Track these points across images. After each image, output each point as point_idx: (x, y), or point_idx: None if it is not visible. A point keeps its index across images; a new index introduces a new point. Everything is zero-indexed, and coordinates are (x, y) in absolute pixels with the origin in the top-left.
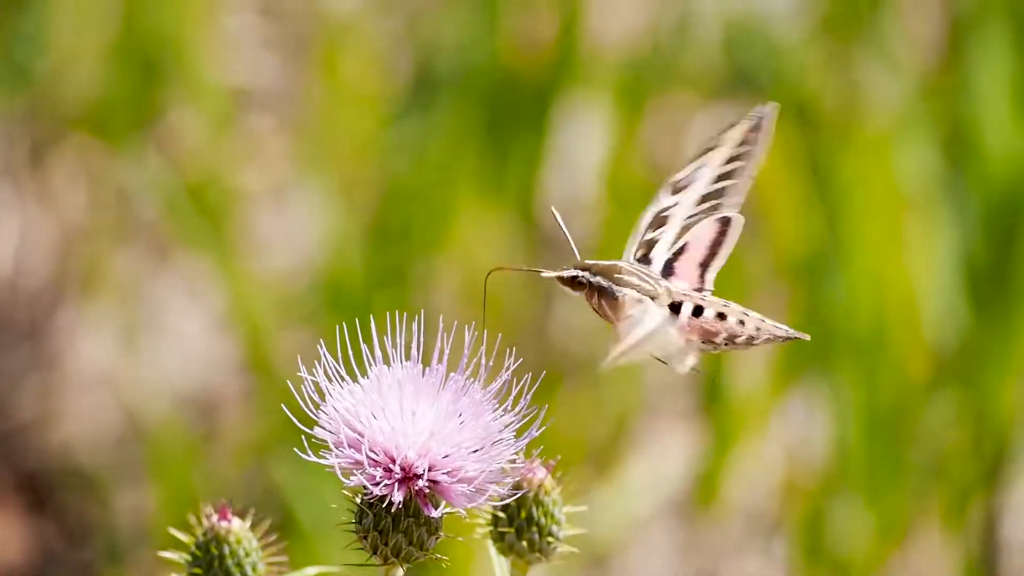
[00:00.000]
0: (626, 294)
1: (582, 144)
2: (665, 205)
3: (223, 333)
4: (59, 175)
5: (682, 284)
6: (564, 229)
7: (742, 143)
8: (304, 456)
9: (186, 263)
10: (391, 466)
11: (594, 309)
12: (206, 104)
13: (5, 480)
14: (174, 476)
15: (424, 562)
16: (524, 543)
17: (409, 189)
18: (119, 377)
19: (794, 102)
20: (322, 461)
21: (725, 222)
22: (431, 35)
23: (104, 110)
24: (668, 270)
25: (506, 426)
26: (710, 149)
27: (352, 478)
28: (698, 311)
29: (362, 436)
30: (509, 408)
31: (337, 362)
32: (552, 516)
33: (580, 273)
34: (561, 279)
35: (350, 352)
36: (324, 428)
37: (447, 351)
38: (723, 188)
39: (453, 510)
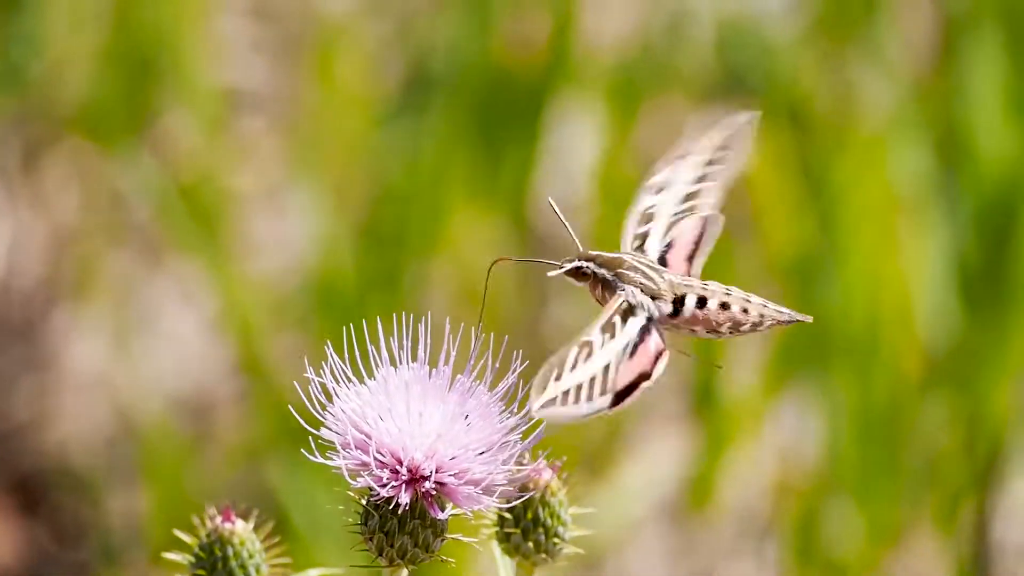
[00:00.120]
0: (625, 290)
1: (575, 146)
2: (649, 204)
3: (216, 335)
4: (52, 177)
5: (691, 280)
6: (563, 220)
7: (721, 147)
8: (311, 457)
9: (179, 265)
10: (398, 468)
11: (597, 300)
12: (199, 106)
13: None
14: (167, 478)
15: (429, 563)
16: (530, 544)
17: (402, 191)
18: (112, 379)
19: (787, 103)
20: (329, 462)
21: (707, 220)
22: (423, 37)
23: (97, 112)
24: (662, 262)
25: (513, 428)
26: (688, 152)
27: (359, 480)
28: (702, 302)
29: (369, 438)
30: (515, 410)
31: (344, 363)
32: (558, 517)
33: (584, 264)
34: (566, 271)
35: (356, 354)
36: (331, 429)
37: (454, 353)
38: (702, 189)
39: (459, 512)
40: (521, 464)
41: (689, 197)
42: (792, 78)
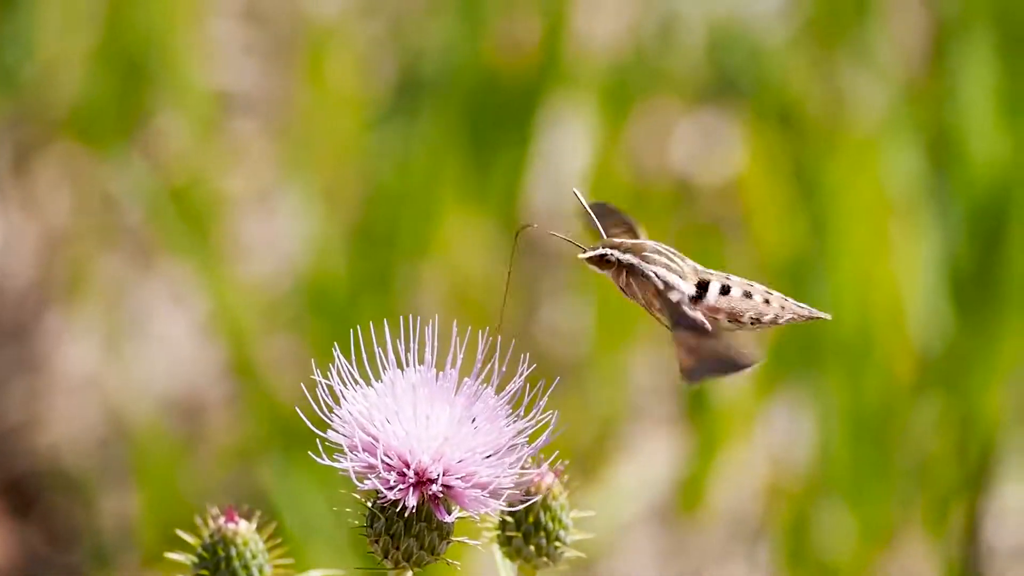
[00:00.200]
0: (655, 272)
1: (567, 148)
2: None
3: (207, 337)
4: (44, 179)
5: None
6: (587, 207)
7: None
8: (319, 460)
9: (171, 267)
10: (405, 470)
11: (621, 289)
12: (190, 108)
13: None
14: (159, 479)
15: (434, 566)
16: (532, 548)
17: (393, 193)
18: (104, 381)
19: (778, 106)
20: (335, 464)
21: None
22: (415, 39)
23: (89, 114)
24: None
25: (519, 431)
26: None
27: (366, 482)
28: (725, 290)
29: (376, 440)
30: (522, 414)
31: (350, 366)
32: (560, 521)
33: (609, 251)
34: (590, 258)
35: (364, 356)
36: (337, 432)
37: (460, 355)
38: None
39: (464, 515)
40: (525, 468)
41: None
42: (783, 81)
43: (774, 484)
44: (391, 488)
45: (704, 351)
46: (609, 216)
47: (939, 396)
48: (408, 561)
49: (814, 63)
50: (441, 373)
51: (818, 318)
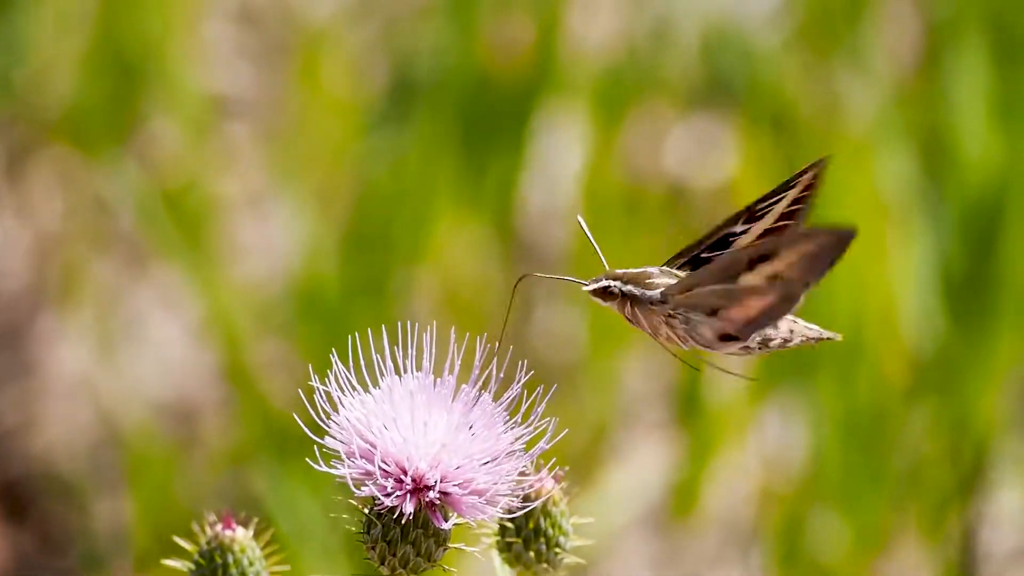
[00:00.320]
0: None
1: (560, 152)
2: (735, 230)
3: (200, 341)
4: (37, 183)
5: None
6: (590, 237)
7: (807, 187)
8: (316, 467)
9: (163, 271)
10: (402, 477)
11: (627, 319)
12: (183, 112)
13: None
14: (152, 484)
15: (431, 572)
16: (532, 553)
17: (386, 197)
18: (97, 385)
19: (772, 110)
20: (333, 471)
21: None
22: (408, 43)
23: (82, 118)
24: None
25: (517, 438)
26: (787, 187)
27: (363, 488)
28: None
29: (374, 447)
30: (520, 421)
31: (348, 371)
32: (560, 527)
33: (611, 283)
34: (592, 291)
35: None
36: (335, 438)
37: (458, 362)
38: (784, 226)
39: (461, 521)
40: (524, 474)
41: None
42: (777, 84)
43: (768, 488)
44: (388, 495)
45: (794, 256)
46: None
47: (933, 400)
48: (405, 568)
49: (807, 67)
50: (439, 379)
51: (829, 339)
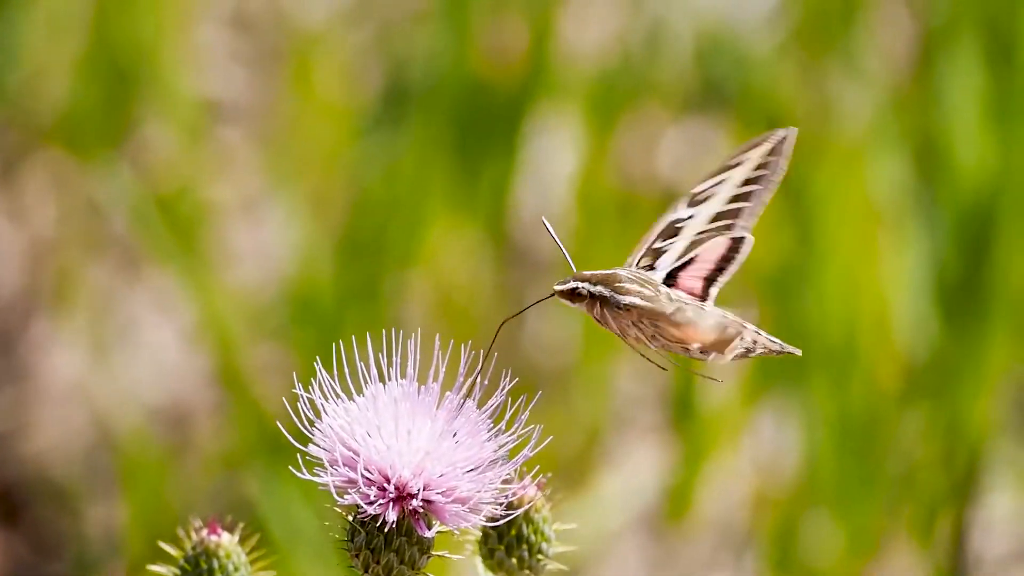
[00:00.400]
0: (634, 301)
1: (554, 156)
2: (681, 216)
3: (194, 346)
4: (30, 187)
5: (682, 295)
6: (557, 240)
7: (760, 165)
8: (298, 475)
9: (157, 276)
10: (385, 485)
11: (596, 320)
12: (177, 117)
13: None
14: (145, 488)
15: None
16: (514, 560)
17: (379, 202)
18: (90, 389)
19: (765, 114)
20: (316, 479)
21: (737, 241)
22: (402, 47)
23: (75, 122)
24: (671, 280)
25: (501, 446)
26: (732, 166)
27: (346, 496)
28: None
29: (357, 455)
30: (504, 428)
31: (332, 379)
32: (542, 534)
33: (580, 284)
34: (561, 292)
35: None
36: (319, 446)
37: (442, 369)
38: (737, 209)
39: (445, 529)
40: (507, 481)
41: (721, 216)
42: (770, 89)
43: (761, 493)
44: (371, 503)
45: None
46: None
47: (926, 405)
48: (388, 575)
49: (801, 71)
50: (423, 387)
51: (789, 353)
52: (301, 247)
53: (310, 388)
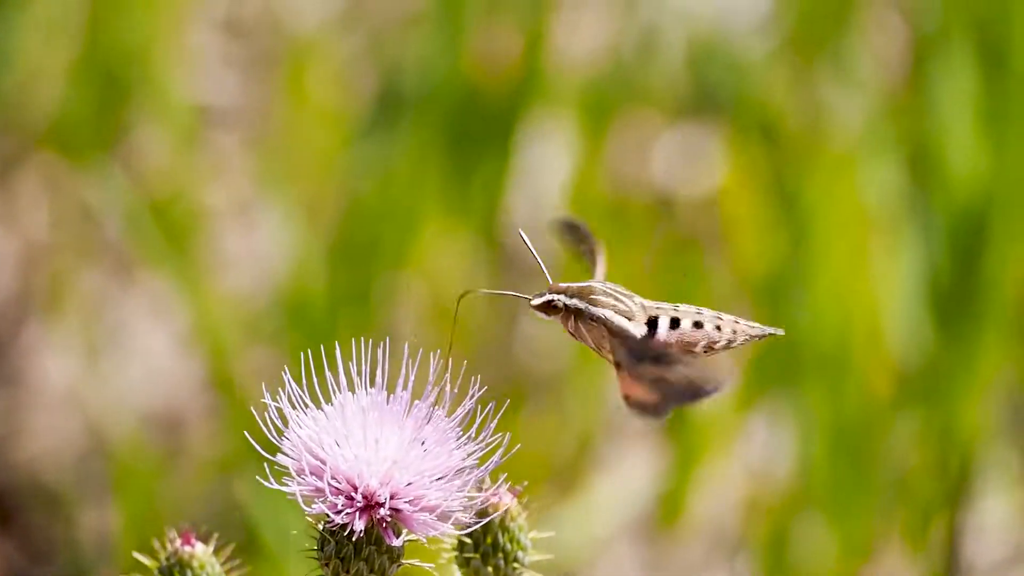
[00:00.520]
0: (604, 315)
1: (546, 162)
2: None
3: (187, 351)
4: (23, 192)
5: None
6: (533, 252)
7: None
8: (265, 483)
9: (150, 281)
10: (353, 494)
11: (570, 333)
12: (170, 121)
13: None
14: (138, 494)
15: None
16: (489, 569)
17: (373, 207)
18: (83, 395)
19: (758, 120)
20: (283, 488)
21: None
22: (395, 53)
23: (68, 127)
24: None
25: (470, 454)
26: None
27: (314, 506)
28: (675, 323)
29: (324, 464)
30: (473, 436)
31: (301, 388)
32: (518, 542)
33: (555, 297)
34: (536, 306)
35: (315, 378)
36: (287, 455)
37: (412, 377)
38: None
39: (413, 537)
40: (482, 488)
41: None
42: (763, 95)
43: (754, 498)
44: (339, 512)
45: (673, 379)
46: (573, 233)
47: (919, 410)
48: None
49: (794, 77)
50: (393, 395)
51: (771, 335)
52: (294, 252)
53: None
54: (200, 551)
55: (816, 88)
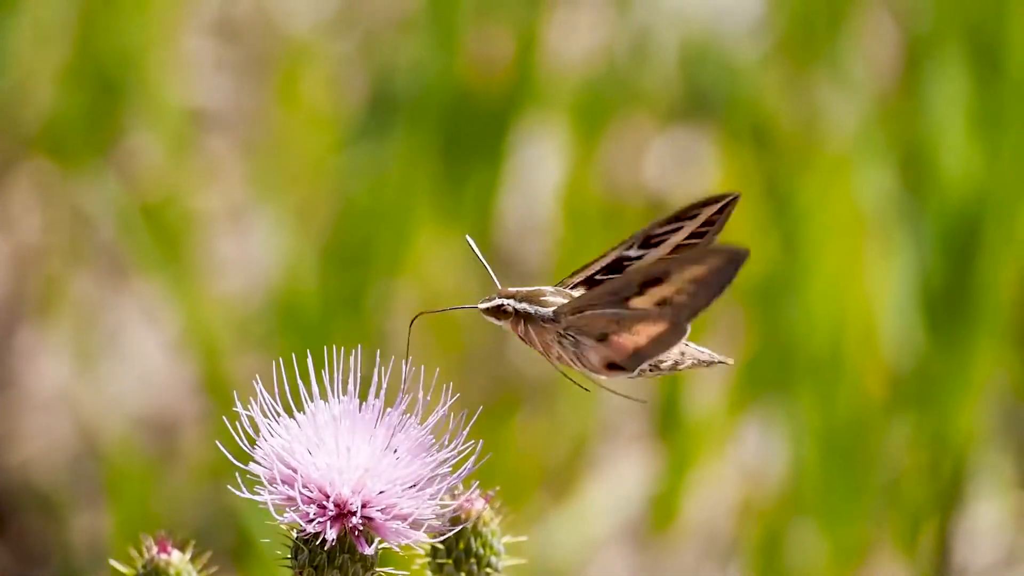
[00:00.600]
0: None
1: (540, 165)
2: (630, 255)
3: (180, 355)
4: (16, 196)
5: None
6: (481, 258)
7: (707, 222)
8: (237, 493)
9: (143, 285)
10: (325, 503)
11: (521, 338)
12: (163, 126)
13: None
14: (131, 497)
15: None
16: (462, 574)
17: (366, 211)
18: (76, 398)
19: (751, 123)
20: (255, 497)
21: None
22: (387, 56)
23: (61, 131)
24: None
25: (442, 462)
26: (688, 216)
27: (285, 515)
28: None
29: (296, 472)
30: (446, 443)
31: (274, 397)
32: (491, 547)
33: (505, 301)
34: (486, 310)
35: (300, 384)
36: (259, 463)
37: (384, 385)
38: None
39: (386, 545)
40: (454, 495)
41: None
42: (756, 98)
43: (746, 502)
44: (310, 521)
45: (697, 274)
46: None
47: (911, 414)
48: None
49: (787, 80)
50: (365, 403)
51: (721, 363)
52: (287, 256)
53: (249, 406)
54: (176, 559)
55: (809, 91)
